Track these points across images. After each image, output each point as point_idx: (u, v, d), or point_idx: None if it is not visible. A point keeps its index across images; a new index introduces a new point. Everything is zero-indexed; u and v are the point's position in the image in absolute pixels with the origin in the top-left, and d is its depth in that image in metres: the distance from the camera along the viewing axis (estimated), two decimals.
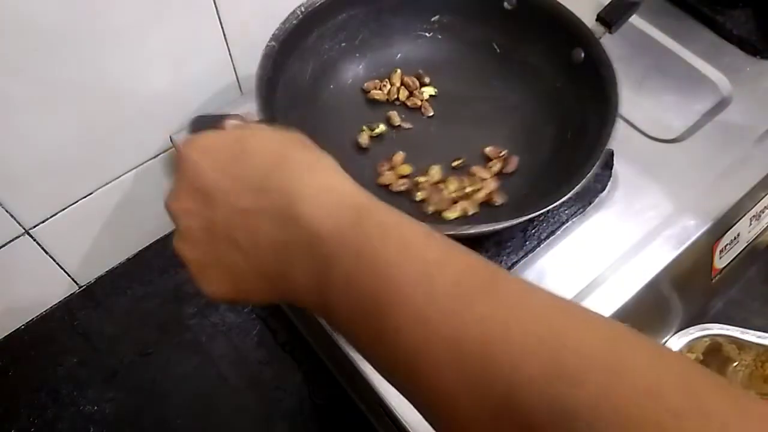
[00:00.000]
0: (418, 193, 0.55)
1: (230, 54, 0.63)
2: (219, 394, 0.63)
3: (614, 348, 0.24)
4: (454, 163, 0.57)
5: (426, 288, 0.26)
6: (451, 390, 0.25)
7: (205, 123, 0.40)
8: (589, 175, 0.47)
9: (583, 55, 0.55)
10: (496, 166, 0.57)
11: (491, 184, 0.55)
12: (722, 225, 0.57)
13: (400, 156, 0.57)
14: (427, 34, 0.61)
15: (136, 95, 0.59)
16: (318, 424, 0.61)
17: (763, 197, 0.60)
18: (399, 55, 0.61)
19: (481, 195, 0.55)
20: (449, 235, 0.41)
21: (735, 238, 0.60)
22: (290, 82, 0.54)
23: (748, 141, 0.60)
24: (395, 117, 0.60)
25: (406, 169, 0.57)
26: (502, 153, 0.57)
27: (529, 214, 0.46)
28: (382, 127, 0.59)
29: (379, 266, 0.27)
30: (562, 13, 0.56)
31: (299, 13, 0.52)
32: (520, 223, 0.48)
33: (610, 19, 0.55)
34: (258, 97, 0.48)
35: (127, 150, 0.63)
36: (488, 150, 0.58)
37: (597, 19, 0.56)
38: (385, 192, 0.55)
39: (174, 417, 0.62)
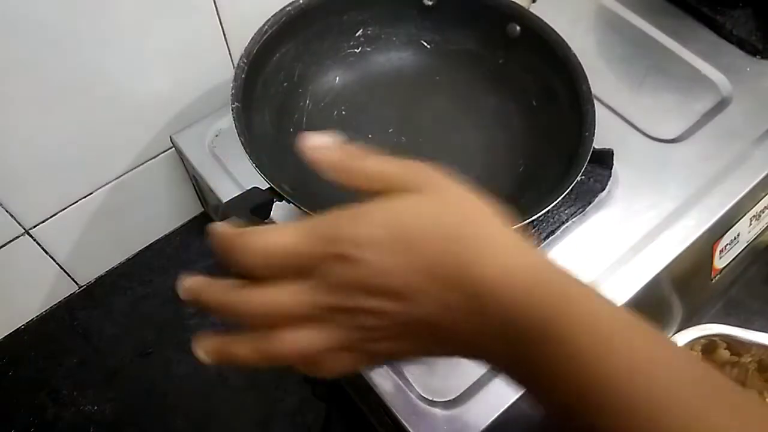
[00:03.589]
0: None
1: (230, 54, 0.63)
2: (219, 394, 0.63)
3: None
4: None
5: (647, 385, 0.25)
6: None
7: (238, 208, 0.40)
8: (588, 135, 0.48)
9: (518, 28, 0.56)
10: None
11: None
12: (722, 225, 0.57)
13: None
14: (356, 50, 0.61)
15: (136, 95, 0.59)
16: (318, 424, 0.61)
17: (763, 197, 0.60)
18: (337, 79, 0.60)
19: None
20: None
21: (735, 238, 0.60)
22: (260, 139, 0.52)
23: (748, 141, 0.60)
24: None
25: None
26: None
27: (532, 214, 0.46)
28: None
29: (587, 363, 0.26)
30: None
31: (243, 65, 0.51)
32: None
33: None
34: (256, 166, 0.45)
35: (127, 150, 0.63)
36: None
37: None
38: None
39: (174, 417, 0.62)
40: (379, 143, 0.57)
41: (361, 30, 0.60)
